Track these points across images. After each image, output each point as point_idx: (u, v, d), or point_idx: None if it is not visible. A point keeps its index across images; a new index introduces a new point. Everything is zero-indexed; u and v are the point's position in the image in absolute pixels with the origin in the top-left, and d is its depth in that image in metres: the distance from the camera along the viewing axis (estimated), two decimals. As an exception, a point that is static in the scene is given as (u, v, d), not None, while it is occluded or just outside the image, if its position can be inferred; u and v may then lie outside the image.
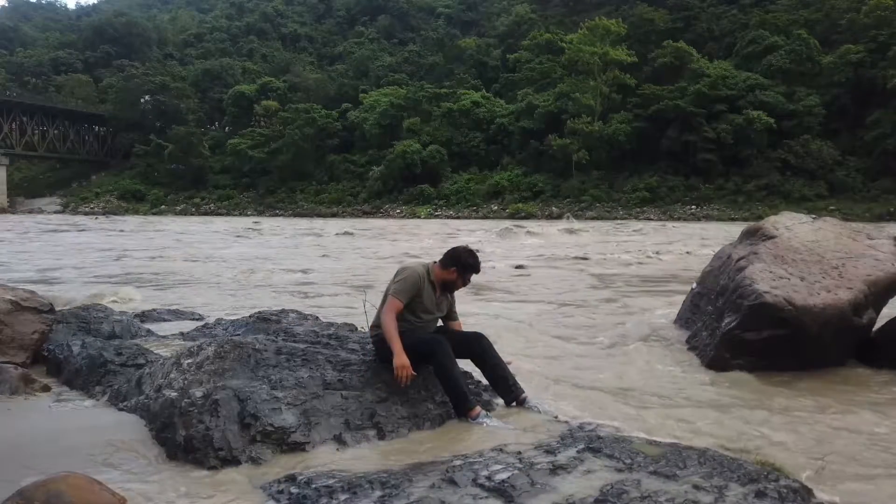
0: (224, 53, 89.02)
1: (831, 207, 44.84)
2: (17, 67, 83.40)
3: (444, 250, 4.10)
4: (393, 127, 64.91)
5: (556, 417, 3.80)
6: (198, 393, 3.40)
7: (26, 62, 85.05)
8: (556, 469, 2.79)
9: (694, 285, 6.67)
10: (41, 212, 63.53)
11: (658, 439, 3.33)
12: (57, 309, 5.49)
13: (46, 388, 4.18)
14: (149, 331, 6.02)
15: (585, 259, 16.53)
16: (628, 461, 2.86)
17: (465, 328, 4.22)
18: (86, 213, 60.70)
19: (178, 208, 64.79)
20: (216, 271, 13.60)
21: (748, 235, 6.18)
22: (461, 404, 3.71)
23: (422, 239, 25.53)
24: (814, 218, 6.44)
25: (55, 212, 63.63)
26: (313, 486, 2.78)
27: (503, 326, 6.94)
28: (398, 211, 58.32)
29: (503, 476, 2.73)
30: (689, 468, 2.79)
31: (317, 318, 5.74)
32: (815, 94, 53.94)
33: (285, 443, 3.24)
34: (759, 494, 2.57)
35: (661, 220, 47.77)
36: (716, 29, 66.45)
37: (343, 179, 65.35)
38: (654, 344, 6.19)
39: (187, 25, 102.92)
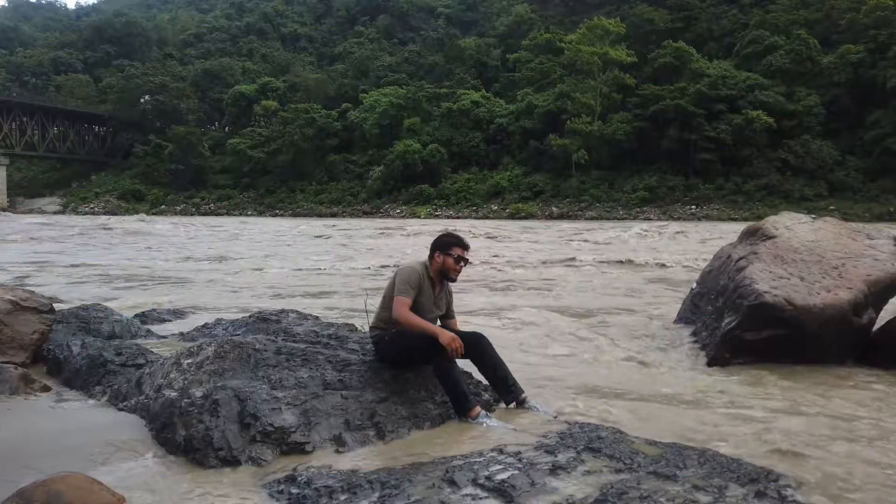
0: (224, 53, 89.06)
1: (831, 207, 44.85)
2: (17, 67, 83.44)
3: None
4: (393, 127, 64.92)
5: (555, 417, 3.80)
6: (198, 393, 3.40)
7: (26, 62, 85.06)
8: (555, 469, 2.80)
9: (694, 285, 6.67)
10: (41, 212, 63.50)
11: (658, 439, 3.33)
12: (57, 309, 5.50)
13: (46, 388, 4.18)
14: (149, 331, 6.02)
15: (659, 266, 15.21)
16: (628, 461, 2.86)
17: (472, 326, 4.24)
18: (87, 213, 60.73)
19: (178, 208, 64.77)
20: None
21: (748, 235, 6.19)
22: (461, 404, 3.70)
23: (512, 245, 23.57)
24: (814, 218, 6.44)
25: (55, 212, 63.62)
26: (313, 486, 2.78)
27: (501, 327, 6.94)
28: (398, 211, 58.32)
29: (503, 476, 2.73)
30: (689, 468, 2.79)
31: (317, 318, 5.74)
32: (815, 94, 53.96)
33: (285, 443, 3.24)
34: (759, 495, 2.57)
35: (660, 219, 47.77)
36: (716, 29, 66.47)
37: (343, 179, 65.36)
38: (653, 343, 6.19)
39: (187, 25, 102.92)
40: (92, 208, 65.47)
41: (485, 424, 3.61)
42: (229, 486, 2.92)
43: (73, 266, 14.33)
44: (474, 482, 2.70)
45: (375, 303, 4.15)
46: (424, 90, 66.84)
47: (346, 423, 3.44)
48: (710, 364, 5.40)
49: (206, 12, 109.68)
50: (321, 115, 67.62)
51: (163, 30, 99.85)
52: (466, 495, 2.60)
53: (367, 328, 5.13)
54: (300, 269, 14.07)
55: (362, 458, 3.19)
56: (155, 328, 6.29)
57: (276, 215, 59.84)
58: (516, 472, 2.77)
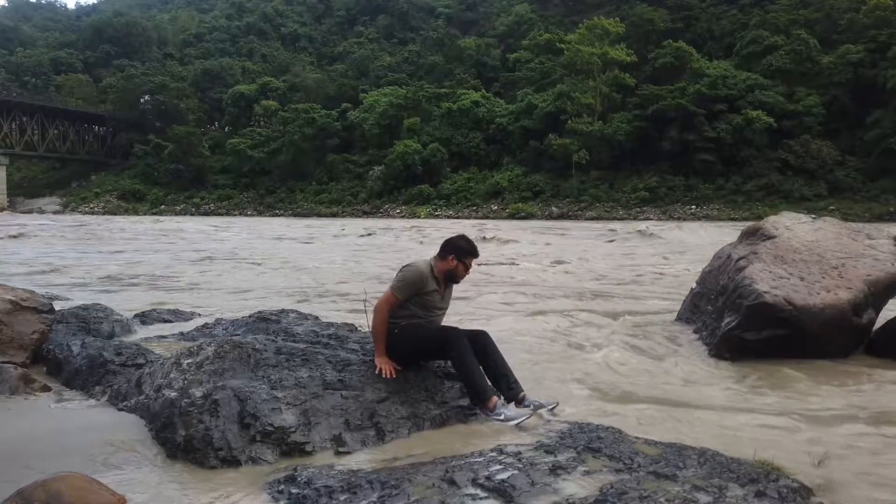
0: (224, 53, 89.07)
1: (831, 207, 44.83)
2: (17, 67, 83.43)
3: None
4: (393, 127, 64.90)
5: (557, 404, 3.84)
6: (198, 393, 3.40)
7: (26, 62, 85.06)
8: (555, 469, 2.80)
9: (694, 285, 6.67)
10: (41, 212, 63.50)
11: (657, 439, 3.33)
12: (57, 309, 5.50)
13: (46, 388, 4.18)
14: (149, 330, 6.02)
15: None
16: (628, 461, 2.86)
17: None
18: (87, 213, 60.73)
19: (178, 208, 64.79)
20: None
21: (748, 235, 6.19)
22: (478, 395, 3.76)
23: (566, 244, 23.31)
24: (814, 218, 6.44)
25: (55, 212, 63.61)
26: (313, 486, 2.78)
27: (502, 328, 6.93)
28: (398, 211, 58.32)
29: (503, 476, 2.73)
30: (689, 468, 2.79)
31: (316, 318, 5.74)
32: (815, 94, 53.93)
33: (285, 443, 3.24)
34: (759, 495, 2.57)
35: (660, 219, 47.77)
36: (716, 29, 66.43)
37: (343, 179, 65.34)
38: (653, 344, 6.19)
39: (187, 25, 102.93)
40: (92, 208, 65.47)
41: (503, 415, 3.69)
42: (229, 486, 2.92)
43: (235, 291, 10.69)
44: (474, 482, 2.70)
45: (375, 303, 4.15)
46: (424, 90, 66.81)
47: (346, 423, 3.44)
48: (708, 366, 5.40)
49: (206, 12, 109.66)
50: (321, 115, 67.61)
51: (163, 30, 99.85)
52: (466, 495, 2.61)
53: (367, 328, 5.13)
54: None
55: (362, 458, 3.19)
56: (155, 328, 6.29)
57: (275, 215, 59.83)
58: (516, 472, 2.77)
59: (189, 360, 3.76)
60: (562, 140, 55.73)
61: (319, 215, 57.65)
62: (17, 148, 71.03)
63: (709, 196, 52.37)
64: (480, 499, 2.58)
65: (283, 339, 4.39)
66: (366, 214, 58.05)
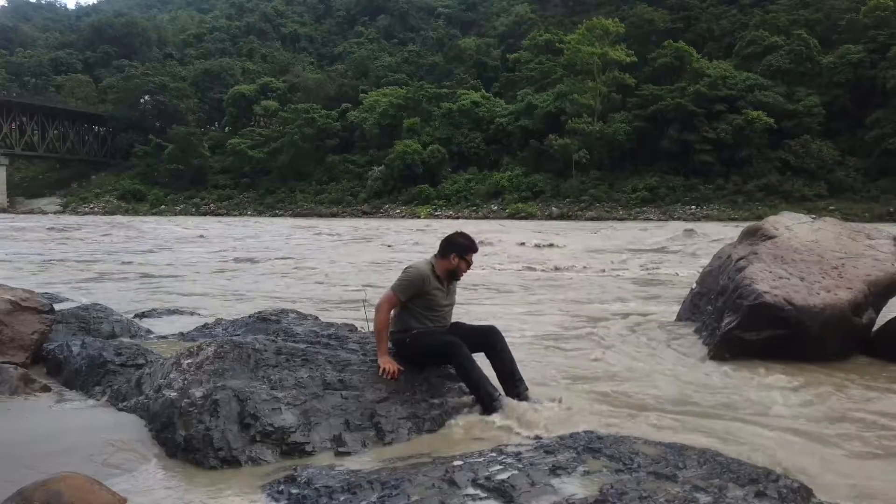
0: (224, 53, 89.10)
1: (831, 207, 44.83)
2: (17, 67, 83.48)
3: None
4: (393, 127, 64.92)
5: (560, 400, 3.84)
6: (198, 393, 3.40)
7: (26, 62, 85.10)
8: (555, 469, 2.79)
9: (694, 285, 6.67)
10: (41, 212, 63.50)
11: (657, 439, 3.33)
12: (57, 309, 5.50)
13: (46, 389, 4.18)
14: (149, 331, 6.02)
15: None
16: (628, 461, 2.86)
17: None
18: (87, 213, 60.71)
19: (178, 208, 64.79)
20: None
21: (748, 235, 6.18)
22: (487, 403, 3.78)
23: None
24: (814, 218, 6.44)
25: (55, 212, 63.61)
26: (313, 486, 2.78)
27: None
28: (398, 211, 58.34)
29: (503, 476, 2.73)
30: (689, 468, 2.79)
31: (316, 318, 5.74)
32: (815, 95, 53.93)
33: (285, 443, 3.24)
34: (759, 495, 2.57)
35: (660, 219, 47.76)
36: (716, 29, 66.45)
37: (343, 179, 65.35)
38: (652, 344, 6.19)
39: (187, 25, 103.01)
40: (92, 208, 65.47)
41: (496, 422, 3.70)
42: (229, 487, 2.92)
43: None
44: (474, 482, 2.70)
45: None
46: (424, 90, 66.82)
47: (346, 423, 3.44)
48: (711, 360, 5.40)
49: (206, 12, 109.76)
50: (321, 115, 67.63)
51: (163, 30, 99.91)
52: (466, 495, 2.60)
53: (367, 328, 5.13)
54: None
55: (362, 458, 3.19)
56: (155, 328, 6.29)
57: (275, 215, 59.83)
58: (516, 472, 2.77)
59: (189, 361, 3.76)
60: (562, 140, 55.73)
61: (319, 215, 57.63)
62: (18, 148, 71.05)
63: (709, 196, 52.37)
64: (480, 499, 2.58)
65: (283, 340, 4.39)
66: (366, 215, 58.04)
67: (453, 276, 4.10)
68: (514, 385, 3.96)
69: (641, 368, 5.43)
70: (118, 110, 74.97)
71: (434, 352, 3.88)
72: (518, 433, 3.52)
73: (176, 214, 60.53)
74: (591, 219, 48.99)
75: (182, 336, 5.55)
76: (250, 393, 3.40)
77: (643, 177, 55.06)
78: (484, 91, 67.48)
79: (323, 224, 39.19)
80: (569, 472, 2.78)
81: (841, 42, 55.75)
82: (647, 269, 14.61)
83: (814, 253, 5.64)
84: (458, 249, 4.05)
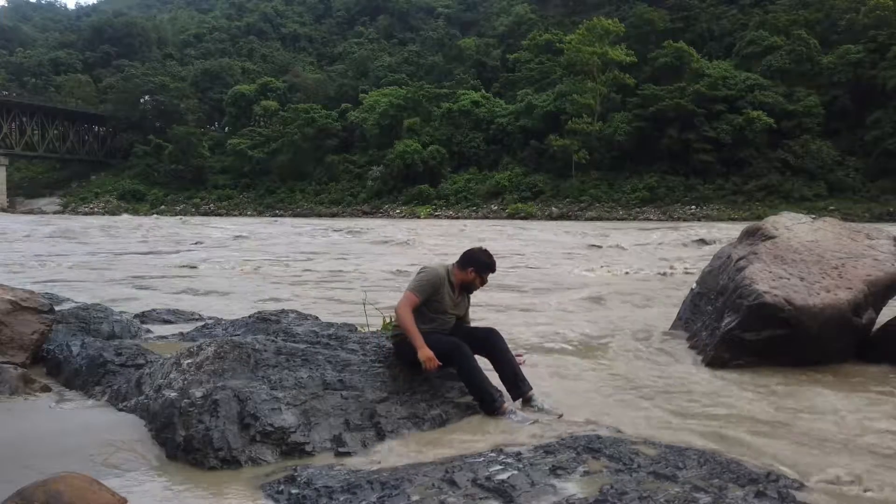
0: (224, 53, 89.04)
1: (831, 207, 44.83)
2: (17, 67, 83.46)
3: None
4: (393, 127, 64.90)
5: (560, 417, 3.82)
6: (197, 393, 3.40)
7: (26, 62, 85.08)
8: (555, 469, 2.80)
9: (694, 285, 6.67)
10: (41, 212, 63.50)
11: (657, 440, 3.33)
12: (57, 309, 5.50)
13: (46, 389, 4.18)
14: (149, 331, 6.02)
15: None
16: (628, 462, 2.86)
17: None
18: (88, 213, 60.71)
19: (178, 208, 64.78)
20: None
21: (748, 235, 6.18)
22: (489, 404, 3.79)
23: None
24: (813, 218, 6.44)
25: (55, 212, 63.60)
26: (313, 486, 2.78)
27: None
28: (398, 211, 58.33)
29: (503, 476, 2.73)
30: (689, 469, 2.79)
31: (316, 318, 5.74)
32: (815, 95, 53.91)
33: (285, 443, 3.24)
34: (759, 495, 2.57)
35: (660, 219, 47.76)
36: (716, 29, 66.43)
37: (343, 179, 65.33)
38: (653, 344, 6.19)
39: (187, 25, 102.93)
40: (92, 208, 65.45)
41: (513, 420, 3.71)
42: (229, 487, 2.92)
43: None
44: (474, 482, 2.70)
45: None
46: (424, 90, 66.80)
47: (345, 423, 3.44)
48: (709, 364, 5.40)
49: (206, 12, 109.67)
50: (321, 116, 67.60)
51: (163, 30, 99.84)
52: (466, 495, 2.60)
53: (367, 328, 5.13)
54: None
55: (362, 459, 3.19)
56: (155, 328, 6.29)
57: (275, 215, 59.81)
58: (516, 472, 2.77)
59: (189, 361, 3.76)
60: (562, 140, 55.73)
61: (319, 215, 57.62)
62: (17, 148, 71.01)
63: (709, 196, 52.36)
64: (480, 499, 2.58)
65: (282, 340, 4.39)
66: (365, 215, 58.03)
67: (467, 288, 4.15)
68: (517, 385, 3.97)
69: (641, 369, 5.43)
70: (118, 110, 74.93)
71: (436, 353, 3.87)
72: (518, 434, 3.52)
73: (176, 214, 60.50)
74: (591, 219, 48.97)
75: (182, 336, 5.55)
76: (250, 393, 3.40)
77: (643, 177, 55.04)
78: (484, 91, 67.46)
79: (342, 224, 38.78)
80: (569, 472, 2.78)
81: (841, 42, 55.73)
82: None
83: (814, 253, 5.64)
84: (478, 266, 4.09)
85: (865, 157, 51.04)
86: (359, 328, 5.22)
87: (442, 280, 4.00)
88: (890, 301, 5.78)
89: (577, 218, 50.37)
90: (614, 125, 56.45)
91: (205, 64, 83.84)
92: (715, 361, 5.38)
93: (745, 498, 2.53)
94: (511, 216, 52.22)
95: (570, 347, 6.30)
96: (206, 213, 62.15)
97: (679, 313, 6.77)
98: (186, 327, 6.19)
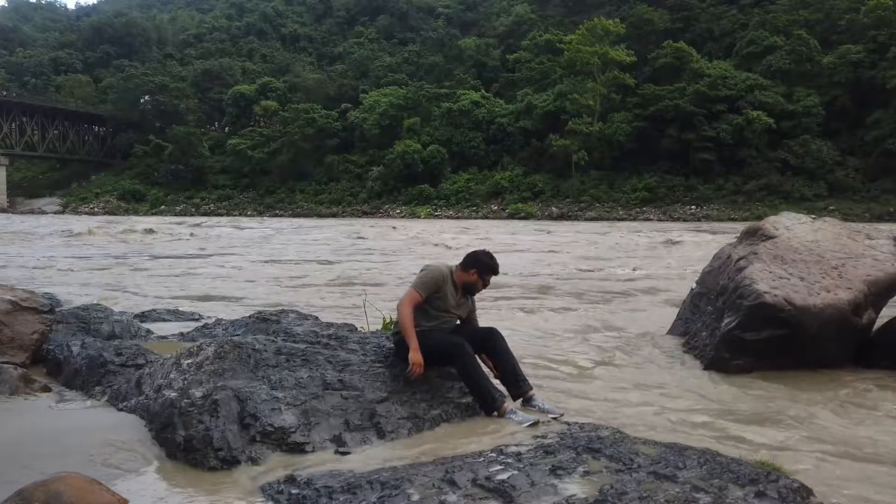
0: (224, 53, 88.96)
1: (831, 207, 44.84)
2: (17, 67, 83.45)
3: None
4: (393, 127, 64.89)
5: (560, 416, 3.82)
6: (197, 393, 3.40)
7: (26, 62, 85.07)
8: (555, 469, 2.79)
9: (694, 285, 6.67)
10: (41, 212, 63.50)
11: (657, 440, 3.33)
12: (57, 309, 5.50)
13: (46, 389, 4.18)
14: (149, 331, 6.02)
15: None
16: (628, 461, 2.86)
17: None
18: (86, 213, 60.71)
19: (178, 208, 64.77)
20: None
21: (748, 235, 6.18)
22: (489, 404, 3.80)
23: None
24: (813, 218, 6.44)
25: (55, 212, 63.60)
26: (313, 486, 2.78)
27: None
28: (398, 211, 58.32)
29: (503, 476, 2.73)
30: (689, 469, 2.79)
31: (316, 318, 5.74)
32: (815, 95, 53.93)
33: (285, 443, 3.24)
34: (759, 495, 2.57)
35: (660, 220, 47.77)
36: (716, 29, 66.43)
37: (343, 179, 65.33)
38: (653, 344, 6.19)
39: (187, 25, 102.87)
40: (92, 208, 65.42)
41: (514, 419, 3.71)
42: (229, 487, 2.92)
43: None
44: (474, 482, 2.70)
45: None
46: (424, 90, 66.80)
47: (346, 423, 3.44)
48: (709, 364, 5.40)
49: (206, 12, 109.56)
50: (321, 116, 67.58)
51: (163, 30, 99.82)
52: (466, 495, 2.60)
53: (367, 328, 5.13)
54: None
55: (362, 458, 3.19)
56: (155, 328, 6.29)
57: (275, 215, 59.81)
58: (516, 472, 2.77)
59: (189, 361, 3.76)
60: (562, 140, 55.72)
61: (319, 216, 57.62)
62: (17, 148, 71.00)
63: (709, 196, 52.38)
64: (480, 499, 2.58)
65: (282, 340, 4.38)
66: (366, 215, 58.02)
67: (469, 290, 4.15)
68: (518, 385, 3.97)
69: (641, 369, 5.43)
70: (118, 110, 74.94)
71: (437, 351, 3.88)
72: (517, 434, 3.52)
73: (176, 214, 60.50)
74: (591, 219, 48.98)
75: (182, 336, 5.55)
76: (250, 393, 3.40)
77: (643, 177, 55.05)
78: (484, 91, 67.45)
79: (360, 224, 38.53)
80: (569, 472, 2.78)
81: (841, 42, 55.74)
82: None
83: (814, 253, 5.64)
84: (480, 267, 4.10)
85: (865, 157, 51.05)
86: (359, 328, 5.22)
87: (445, 278, 4.01)
88: (890, 301, 5.77)
89: (577, 218, 50.37)
90: (614, 125, 56.44)
91: (205, 64, 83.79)
92: (715, 361, 5.38)
93: (745, 498, 2.53)
94: (511, 216, 52.22)
95: (570, 347, 6.30)
96: (206, 214, 62.12)
97: (679, 313, 6.77)
98: (186, 327, 6.19)
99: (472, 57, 73.60)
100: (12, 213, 60.39)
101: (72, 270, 13.65)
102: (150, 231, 27.97)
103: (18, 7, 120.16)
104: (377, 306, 6.21)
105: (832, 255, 5.62)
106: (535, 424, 3.60)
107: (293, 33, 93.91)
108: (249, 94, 74.40)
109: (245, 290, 10.74)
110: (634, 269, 14.08)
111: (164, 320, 6.91)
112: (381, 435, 3.46)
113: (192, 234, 27.46)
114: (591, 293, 10.52)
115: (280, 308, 6.10)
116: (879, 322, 5.64)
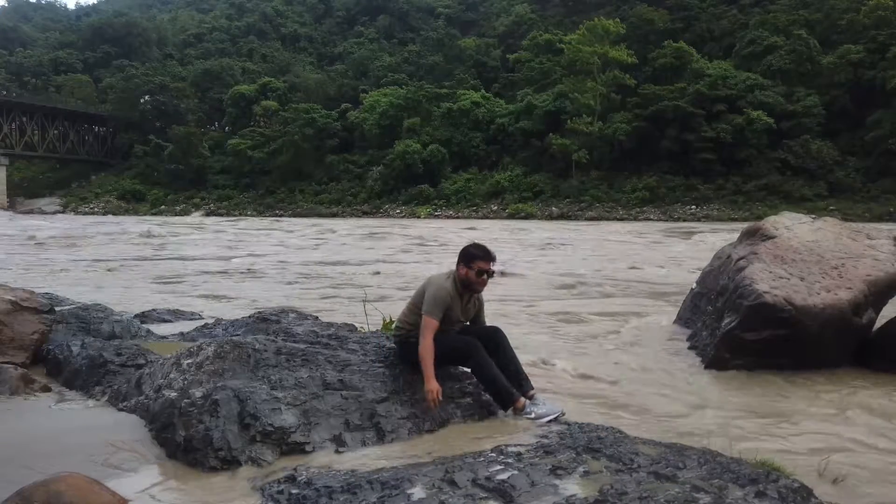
0: (224, 53, 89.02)
1: (831, 207, 44.79)
2: (17, 67, 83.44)
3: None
4: (393, 127, 64.88)
5: (562, 414, 3.82)
6: (197, 393, 3.40)
7: (26, 62, 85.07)
8: (555, 469, 2.79)
9: (694, 285, 6.67)
10: (41, 212, 63.48)
11: (658, 440, 3.33)
12: (57, 309, 5.49)
13: (46, 389, 4.18)
14: (149, 331, 6.02)
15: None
16: (628, 462, 2.86)
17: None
18: (89, 213, 60.69)
19: (178, 208, 64.79)
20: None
21: (748, 235, 6.18)
22: (505, 399, 3.82)
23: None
24: (814, 218, 6.44)
25: (55, 212, 63.59)
26: (313, 486, 2.78)
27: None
28: (398, 211, 58.31)
29: (503, 476, 2.73)
30: (689, 469, 2.79)
31: (316, 318, 5.74)
32: (815, 95, 53.89)
33: (285, 443, 3.24)
34: (759, 495, 2.57)
35: (660, 220, 47.75)
36: (716, 29, 66.40)
37: (343, 179, 65.31)
38: (654, 344, 6.20)
39: (187, 25, 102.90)
40: (92, 209, 65.43)
41: (533, 413, 3.75)
42: (229, 487, 2.92)
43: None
44: (474, 482, 2.70)
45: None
46: (424, 90, 66.75)
47: (346, 423, 3.43)
48: (710, 364, 5.40)
49: (206, 12, 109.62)
50: (321, 116, 67.58)
51: (163, 30, 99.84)
52: (466, 495, 2.60)
53: (366, 328, 5.13)
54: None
55: (362, 459, 3.19)
56: (155, 328, 6.29)
57: (276, 215, 59.80)
58: (516, 472, 2.77)
59: (189, 361, 3.76)
60: (562, 140, 55.69)
61: (319, 216, 57.61)
62: (17, 148, 71.01)
63: (709, 196, 52.33)
64: (480, 499, 2.58)
65: (283, 340, 4.38)
66: (366, 215, 58.02)
67: (470, 287, 4.01)
68: (520, 384, 3.97)
69: (641, 369, 5.43)
70: (118, 110, 74.94)
71: (448, 352, 3.86)
72: (517, 434, 3.52)
73: (176, 214, 60.48)
74: (591, 219, 48.96)
75: (182, 336, 5.55)
76: (250, 393, 3.40)
77: (643, 177, 55.00)
78: (484, 91, 67.41)
79: (374, 224, 38.05)
80: (569, 472, 2.77)
81: (841, 42, 55.71)
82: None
83: (814, 253, 5.64)
84: (465, 259, 3.98)
85: (865, 157, 51.02)
86: (359, 328, 5.22)
87: (450, 294, 3.93)
88: (890, 301, 5.78)
89: (577, 218, 50.36)
90: (614, 125, 56.40)
91: (205, 64, 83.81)
92: (715, 362, 5.38)
93: (745, 498, 2.52)
94: (511, 216, 52.20)
95: (570, 346, 6.30)
96: (206, 214, 62.15)
97: (679, 313, 6.78)
98: (187, 327, 6.19)
99: (472, 57, 73.58)
100: (13, 213, 60.32)
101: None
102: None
103: (18, 7, 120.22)
104: (377, 306, 6.21)
105: (832, 255, 5.62)
106: (537, 422, 3.64)
107: (293, 33, 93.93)
108: (249, 94, 74.40)
109: (244, 290, 10.74)
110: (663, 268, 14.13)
111: (164, 320, 6.91)
112: (381, 435, 3.46)
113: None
114: (591, 293, 10.52)
115: (280, 308, 6.10)
116: (879, 322, 5.64)
